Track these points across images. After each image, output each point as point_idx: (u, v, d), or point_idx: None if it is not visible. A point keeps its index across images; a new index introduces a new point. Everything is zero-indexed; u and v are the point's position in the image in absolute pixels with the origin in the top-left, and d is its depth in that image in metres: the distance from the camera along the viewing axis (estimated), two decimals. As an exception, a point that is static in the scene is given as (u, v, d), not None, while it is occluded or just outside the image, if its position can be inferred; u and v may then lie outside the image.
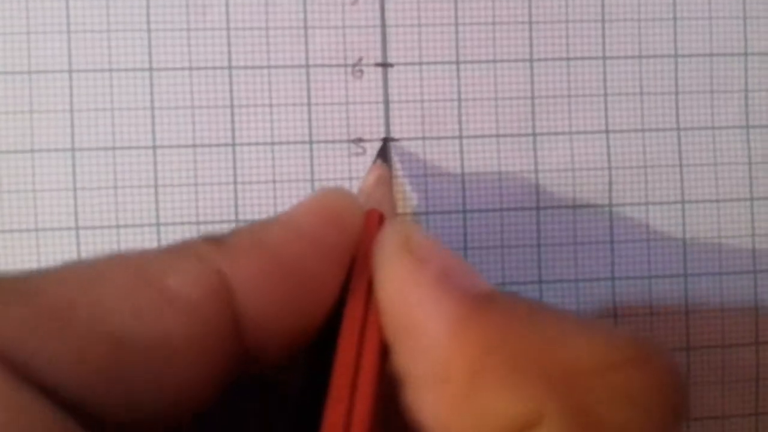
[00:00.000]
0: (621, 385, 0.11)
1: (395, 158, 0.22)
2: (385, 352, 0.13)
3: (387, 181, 0.20)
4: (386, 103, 0.22)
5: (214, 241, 0.12)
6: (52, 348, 0.10)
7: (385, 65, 0.22)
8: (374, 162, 0.21)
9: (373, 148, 0.22)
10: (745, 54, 0.23)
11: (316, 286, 0.13)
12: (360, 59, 0.22)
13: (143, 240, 0.21)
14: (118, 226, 0.21)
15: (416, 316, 0.12)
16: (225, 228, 0.14)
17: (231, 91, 0.22)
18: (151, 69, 0.21)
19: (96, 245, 0.21)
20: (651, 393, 0.11)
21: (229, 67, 0.22)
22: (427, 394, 0.12)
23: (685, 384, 0.12)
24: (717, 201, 0.23)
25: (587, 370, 0.11)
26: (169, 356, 0.11)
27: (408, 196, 0.22)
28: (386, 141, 0.22)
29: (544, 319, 0.12)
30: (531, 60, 0.22)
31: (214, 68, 0.22)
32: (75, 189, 0.21)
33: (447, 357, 0.11)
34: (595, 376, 0.11)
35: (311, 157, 0.22)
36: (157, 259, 0.12)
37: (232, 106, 0.22)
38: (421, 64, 0.22)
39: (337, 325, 0.13)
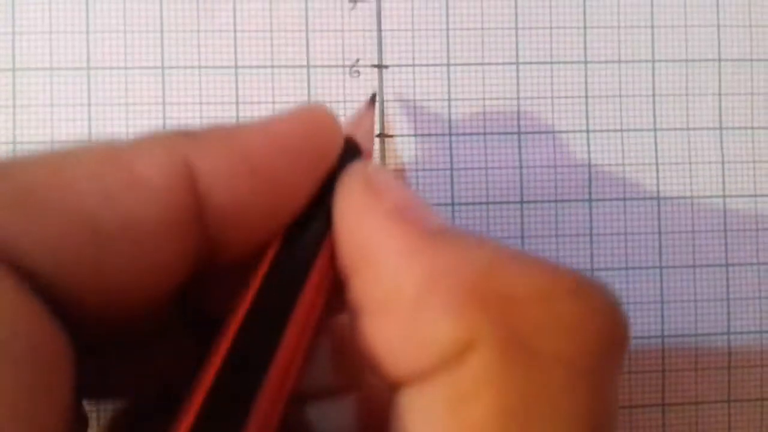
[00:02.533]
0: (555, 314, 0.11)
1: (390, 152, 0.23)
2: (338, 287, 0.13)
3: (371, 122, 0.20)
4: (381, 101, 0.23)
5: (185, 133, 0.12)
6: (25, 227, 0.10)
7: (380, 66, 0.24)
8: (366, 105, 0.22)
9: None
10: (719, 60, 0.24)
11: (281, 191, 0.13)
12: (357, 60, 0.24)
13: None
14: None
15: (370, 246, 0.12)
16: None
17: (237, 88, 0.23)
18: (163, 67, 0.23)
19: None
20: (586, 323, 0.11)
21: (235, 67, 0.23)
22: (377, 322, 0.12)
23: (624, 323, 0.12)
24: (691, 197, 0.24)
25: (523, 299, 0.11)
26: (137, 238, 0.11)
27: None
28: (374, 95, 0.23)
29: (489, 251, 0.12)
30: (517, 63, 0.24)
31: (222, 67, 0.23)
32: (91, 177, 0.23)
33: (395, 285, 0.12)
34: (531, 304, 0.11)
35: (311, 152, 0.23)
36: (126, 145, 0.12)
37: (237, 103, 0.23)
38: (414, 65, 0.24)
39: (296, 236, 0.13)
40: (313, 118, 0.14)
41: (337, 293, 0.13)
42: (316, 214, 0.13)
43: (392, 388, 0.12)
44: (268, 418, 0.11)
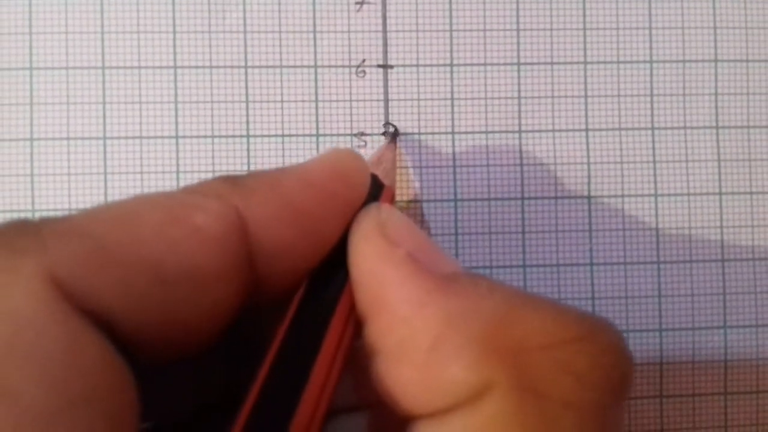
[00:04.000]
0: (566, 360, 0.12)
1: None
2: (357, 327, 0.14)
3: (393, 158, 0.21)
4: (386, 101, 0.24)
5: (232, 181, 0.13)
6: (102, 280, 0.11)
7: (385, 66, 0.24)
8: (388, 142, 0.23)
9: (373, 141, 0.24)
10: (715, 60, 0.25)
11: (319, 231, 0.14)
12: (363, 61, 0.24)
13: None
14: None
15: (385, 293, 0.13)
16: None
17: (246, 88, 0.24)
18: (175, 67, 0.24)
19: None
20: (593, 369, 0.12)
21: (245, 67, 0.24)
22: (393, 365, 0.13)
23: (628, 363, 0.13)
24: (688, 195, 0.25)
25: (536, 346, 0.12)
26: (198, 284, 0.12)
27: (410, 180, 0.24)
28: (396, 130, 0.24)
29: (501, 297, 0.13)
30: (518, 64, 0.24)
31: (232, 67, 0.24)
32: (105, 173, 0.23)
33: (411, 330, 0.12)
34: (543, 351, 0.12)
35: (318, 149, 0.24)
36: (182, 198, 0.13)
37: (247, 102, 0.24)
38: (418, 66, 0.24)
39: (322, 275, 0.14)
40: (344, 161, 0.15)
41: (357, 328, 0.14)
42: (341, 254, 0.14)
43: (406, 419, 0.13)
44: None
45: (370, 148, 0.24)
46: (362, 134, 0.24)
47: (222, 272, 0.12)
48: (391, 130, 0.24)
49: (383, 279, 0.13)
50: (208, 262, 0.12)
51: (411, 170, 0.24)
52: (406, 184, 0.24)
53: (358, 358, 0.14)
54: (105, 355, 0.11)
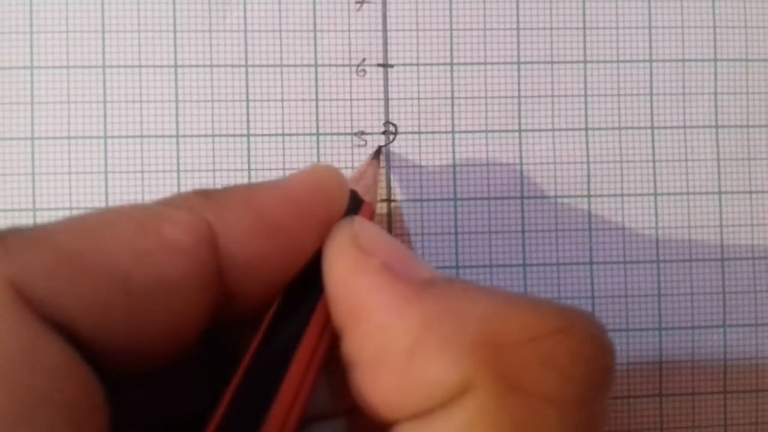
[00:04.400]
0: (545, 354, 0.11)
1: (395, 149, 0.24)
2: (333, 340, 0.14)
3: (375, 174, 0.22)
4: (386, 100, 0.24)
5: (205, 194, 0.13)
6: (66, 290, 0.11)
7: (386, 66, 0.24)
8: (371, 158, 0.23)
9: (373, 141, 0.24)
10: (715, 60, 0.25)
11: (294, 246, 0.14)
12: (363, 60, 0.24)
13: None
14: (143, 206, 0.23)
15: (361, 303, 0.13)
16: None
17: (247, 86, 0.24)
18: (176, 66, 0.24)
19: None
20: (574, 362, 0.12)
21: (246, 65, 0.24)
22: (372, 374, 0.12)
23: (610, 355, 0.12)
24: (687, 194, 0.25)
25: (514, 341, 0.12)
26: (165, 296, 0.12)
27: (396, 192, 0.24)
28: (380, 148, 0.24)
29: (477, 296, 0.12)
30: (518, 63, 0.25)
31: (232, 66, 0.24)
32: (106, 172, 0.23)
33: (388, 337, 0.12)
34: (522, 345, 0.12)
35: (318, 148, 0.24)
36: (153, 209, 0.13)
37: (247, 101, 0.24)
38: (418, 65, 0.24)
39: (303, 286, 0.14)
40: (323, 177, 0.15)
41: (333, 341, 0.14)
42: (313, 271, 0.14)
43: (386, 425, 0.13)
44: None
45: (370, 147, 0.24)
46: (362, 133, 0.24)
47: (191, 285, 0.12)
48: (378, 145, 0.24)
49: (358, 289, 0.13)
50: (176, 275, 0.12)
51: (408, 170, 0.24)
52: (400, 184, 0.24)
53: (335, 367, 0.14)
54: (67, 360, 0.11)
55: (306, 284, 0.14)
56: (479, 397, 0.11)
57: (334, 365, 0.14)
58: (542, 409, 0.11)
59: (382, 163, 0.24)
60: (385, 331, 0.12)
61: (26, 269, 0.11)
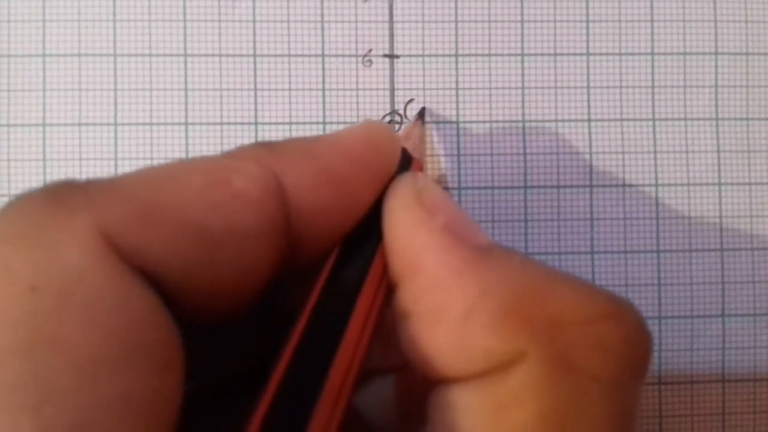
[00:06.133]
0: (596, 336, 0.12)
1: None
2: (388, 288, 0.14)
3: (421, 134, 0.22)
4: (392, 90, 0.25)
5: (269, 146, 0.14)
6: (149, 239, 0.11)
7: (392, 56, 0.25)
8: (416, 118, 0.23)
9: (379, 130, 0.24)
10: (716, 53, 0.25)
11: (353, 198, 0.14)
12: (370, 50, 0.25)
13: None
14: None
15: (421, 260, 0.13)
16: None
17: (255, 76, 0.24)
18: (185, 55, 0.24)
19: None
20: (621, 346, 0.12)
21: (254, 55, 0.24)
22: (428, 328, 0.13)
23: (651, 343, 0.13)
24: (688, 185, 0.25)
25: (569, 320, 0.12)
26: (237, 246, 0.12)
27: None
28: (423, 109, 0.24)
29: (535, 271, 0.13)
30: (522, 55, 0.25)
31: (241, 56, 0.24)
32: (116, 159, 0.24)
33: (447, 296, 0.13)
34: (575, 326, 0.12)
35: (324, 138, 0.24)
36: (223, 162, 0.13)
37: (255, 90, 0.24)
38: (423, 56, 0.25)
39: (355, 240, 0.14)
40: (377, 133, 0.15)
41: (387, 293, 0.14)
42: (372, 222, 0.15)
43: (434, 381, 0.13)
44: (336, 402, 0.12)
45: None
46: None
47: (261, 234, 0.13)
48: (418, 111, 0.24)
49: (420, 245, 0.13)
50: (248, 225, 0.12)
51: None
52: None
53: (385, 322, 0.15)
54: (155, 309, 0.11)
55: (363, 236, 0.14)
56: (530, 369, 0.12)
57: (385, 320, 0.15)
58: (588, 387, 0.12)
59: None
60: (443, 290, 0.13)
61: (113, 219, 0.11)
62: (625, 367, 0.12)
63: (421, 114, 0.24)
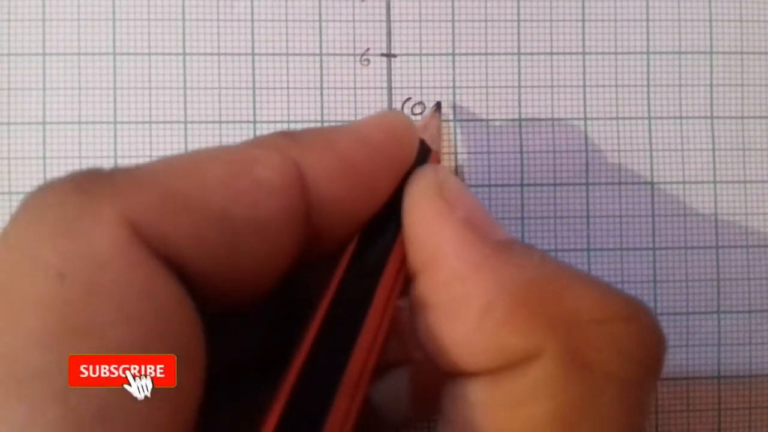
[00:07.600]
0: (612, 335, 0.12)
1: None
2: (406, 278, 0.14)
3: (438, 125, 0.22)
4: (389, 89, 0.25)
5: (290, 135, 0.14)
6: (173, 228, 0.11)
7: (389, 55, 0.25)
8: (432, 111, 0.24)
9: (377, 129, 0.25)
10: (711, 52, 0.25)
11: (372, 187, 0.14)
12: (367, 50, 0.25)
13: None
14: (151, 191, 0.24)
15: (441, 252, 0.13)
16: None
17: (253, 75, 0.24)
18: (184, 54, 0.24)
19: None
20: (636, 346, 0.12)
21: (252, 54, 0.24)
22: (443, 322, 0.13)
23: (665, 344, 0.13)
24: (683, 183, 0.25)
25: (587, 319, 0.12)
26: (259, 234, 0.12)
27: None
28: (439, 102, 0.24)
29: (554, 269, 0.13)
30: (518, 54, 0.25)
31: (239, 54, 0.24)
32: (116, 157, 0.24)
33: (465, 291, 0.13)
34: (592, 324, 0.12)
35: (322, 136, 0.25)
36: (245, 151, 0.13)
37: (254, 88, 0.24)
38: (421, 55, 0.25)
39: (374, 230, 0.14)
40: (396, 123, 0.15)
41: (405, 284, 0.14)
42: (390, 212, 0.15)
43: (449, 374, 0.13)
44: (354, 394, 0.12)
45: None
46: (366, 121, 0.24)
47: (282, 223, 0.13)
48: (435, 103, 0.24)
49: (440, 238, 0.13)
50: (270, 214, 0.13)
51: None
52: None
53: (400, 315, 0.15)
54: (179, 298, 0.11)
55: (381, 227, 0.14)
56: (546, 366, 0.12)
57: (401, 313, 0.15)
58: (603, 386, 0.12)
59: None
60: (462, 284, 0.13)
61: (138, 208, 0.11)
62: (639, 367, 0.12)
63: (438, 106, 0.24)
